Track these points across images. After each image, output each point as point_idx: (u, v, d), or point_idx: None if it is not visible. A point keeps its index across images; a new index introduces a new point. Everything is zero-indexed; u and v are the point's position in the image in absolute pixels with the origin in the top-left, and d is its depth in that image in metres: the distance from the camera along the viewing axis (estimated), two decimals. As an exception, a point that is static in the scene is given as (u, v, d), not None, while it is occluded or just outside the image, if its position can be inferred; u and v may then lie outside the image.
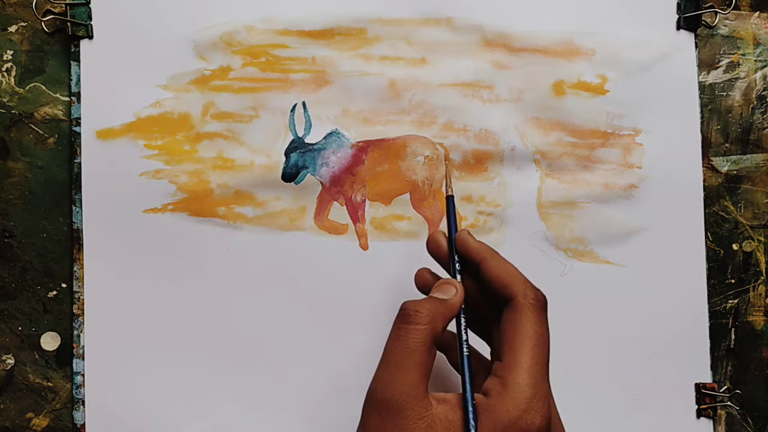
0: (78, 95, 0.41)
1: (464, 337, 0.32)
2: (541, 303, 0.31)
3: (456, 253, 0.34)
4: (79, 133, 0.41)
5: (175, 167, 0.41)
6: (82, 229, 0.41)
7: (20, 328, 0.41)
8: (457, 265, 0.34)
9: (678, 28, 0.44)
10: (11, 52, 0.41)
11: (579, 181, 0.43)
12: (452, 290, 0.32)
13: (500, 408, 0.28)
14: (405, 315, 0.30)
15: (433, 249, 0.36)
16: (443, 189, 0.42)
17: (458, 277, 0.34)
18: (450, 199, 0.36)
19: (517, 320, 0.30)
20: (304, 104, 0.42)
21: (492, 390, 0.29)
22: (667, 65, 0.44)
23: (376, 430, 0.28)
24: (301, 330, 0.41)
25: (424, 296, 0.33)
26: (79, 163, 0.41)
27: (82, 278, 0.40)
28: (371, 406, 0.29)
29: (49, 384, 0.41)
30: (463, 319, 0.32)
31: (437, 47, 0.42)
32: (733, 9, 0.45)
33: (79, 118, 0.41)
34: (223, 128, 0.41)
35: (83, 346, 0.40)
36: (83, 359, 0.40)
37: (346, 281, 0.42)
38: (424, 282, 0.36)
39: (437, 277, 0.35)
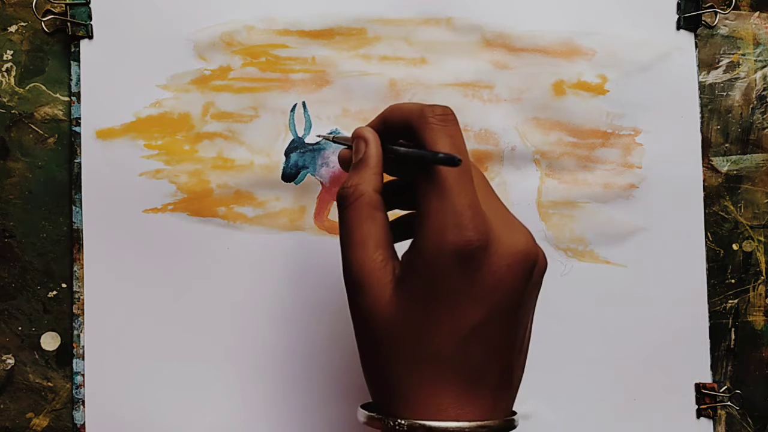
0: (78, 95, 0.41)
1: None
2: (442, 116, 0.28)
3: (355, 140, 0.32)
4: (79, 133, 0.41)
5: (175, 167, 0.41)
6: (82, 229, 0.41)
7: (20, 328, 0.41)
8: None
9: (678, 28, 0.44)
10: (11, 52, 0.41)
11: (579, 181, 0.43)
12: (362, 145, 0.30)
13: (420, 239, 0.26)
14: (339, 203, 0.29)
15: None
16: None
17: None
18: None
19: (424, 143, 0.28)
20: (304, 104, 0.42)
21: (416, 226, 0.27)
22: (667, 65, 0.44)
23: (353, 305, 0.28)
24: (302, 330, 0.41)
25: None
26: (79, 163, 0.41)
27: (82, 278, 0.40)
28: (346, 285, 0.29)
29: (49, 384, 0.41)
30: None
31: (437, 47, 0.42)
32: (733, 9, 0.45)
33: (79, 118, 0.41)
34: (223, 128, 0.41)
35: (83, 346, 0.40)
36: (83, 359, 0.40)
37: (346, 281, 0.42)
38: (346, 158, 0.33)
39: None
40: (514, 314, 0.27)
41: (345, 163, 0.33)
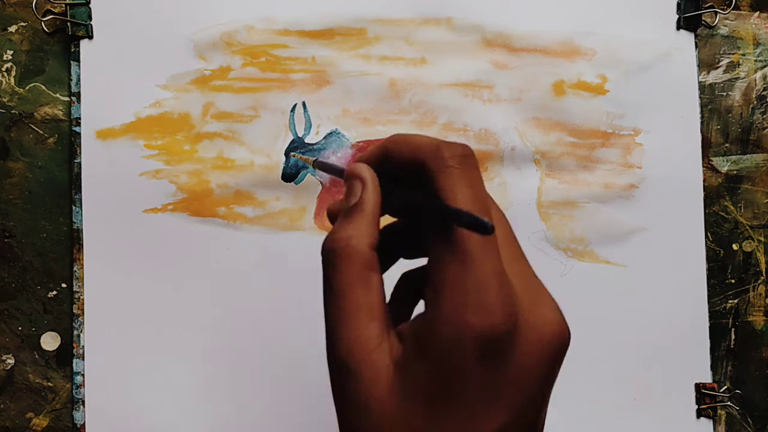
0: (78, 95, 0.41)
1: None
2: (462, 158, 0.22)
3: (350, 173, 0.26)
4: (79, 133, 0.41)
5: (175, 167, 0.41)
6: (82, 229, 0.41)
7: (20, 328, 0.41)
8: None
9: (678, 28, 0.44)
10: (11, 52, 0.41)
11: (579, 181, 0.43)
12: (357, 187, 0.24)
13: (432, 320, 0.21)
14: (324, 259, 0.24)
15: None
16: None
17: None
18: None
19: (438, 192, 0.22)
20: (304, 104, 0.42)
21: (427, 295, 0.22)
22: (667, 65, 0.44)
23: (339, 391, 0.23)
24: (301, 330, 0.41)
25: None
26: (79, 163, 0.41)
27: (82, 278, 0.40)
28: (330, 364, 0.24)
29: (49, 384, 0.41)
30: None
31: (437, 47, 0.42)
32: (733, 9, 0.45)
33: (79, 118, 0.41)
34: (223, 128, 0.41)
35: (83, 346, 0.40)
36: (83, 359, 0.40)
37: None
38: (334, 212, 0.27)
39: None
40: (539, 412, 0.22)
41: (334, 217, 0.26)
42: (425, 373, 0.21)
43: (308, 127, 0.42)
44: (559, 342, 0.22)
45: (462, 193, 0.22)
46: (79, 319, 0.40)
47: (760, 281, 0.45)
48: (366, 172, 0.24)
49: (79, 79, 0.41)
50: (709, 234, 0.44)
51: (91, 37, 0.41)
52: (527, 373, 0.21)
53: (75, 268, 0.41)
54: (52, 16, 0.41)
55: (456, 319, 0.20)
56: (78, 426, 0.40)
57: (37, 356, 0.41)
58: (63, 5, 0.40)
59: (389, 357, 0.22)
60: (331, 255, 0.23)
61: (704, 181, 0.44)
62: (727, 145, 0.45)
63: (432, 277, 0.22)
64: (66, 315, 0.41)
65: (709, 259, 0.44)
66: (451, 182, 0.22)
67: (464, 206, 0.21)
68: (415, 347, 0.21)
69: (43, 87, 0.41)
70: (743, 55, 0.45)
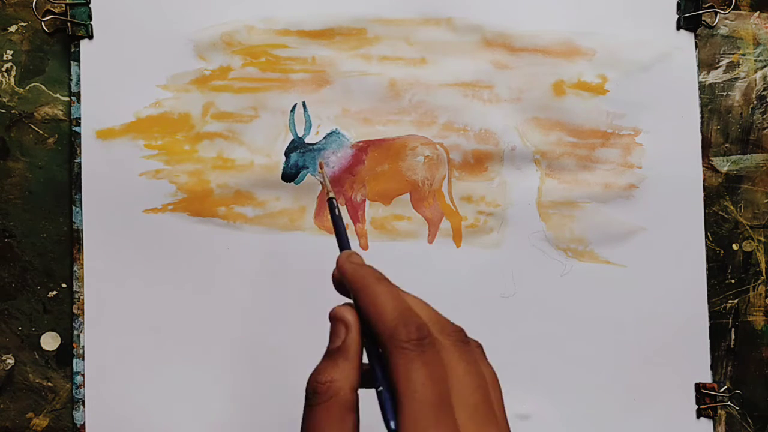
0: (78, 95, 0.41)
1: (378, 373, 0.25)
2: (417, 341, 0.24)
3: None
4: (79, 133, 0.41)
5: (175, 167, 0.41)
6: (82, 229, 0.41)
7: (20, 328, 0.41)
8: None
9: (678, 28, 0.44)
10: (11, 52, 0.41)
11: (579, 181, 0.43)
12: (341, 331, 0.26)
13: None
14: (306, 397, 0.25)
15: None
16: (326, 192, 0.38)
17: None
18: (331, 201, 0.32)
19: (393, 370, 0.23)
20: (304, 104, 0.42)
21: None
22: (667, 65, 0.44)
23: None
24: (301, 330, 0.41)
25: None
26: (79, 163, 0.41)
27: (82, 278, 0.40)
28: None
29: (49, 384, 0.41)
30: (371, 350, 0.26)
31: (437, 47, 0.42)
32: (733, 9, 0.45)
33: (79, 118, 0.41)
34: (223, 128, 0.41)
35: (83, 346, 0.40)
36: (83, 359, 0.40)
37: (346, 281, 0.42)
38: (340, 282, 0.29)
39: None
40: None
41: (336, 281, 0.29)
42: None
43: (308, 127, 0.42)
44: None
45: (415, 374, 0.23)
46: (79, 319, 0.40)
47: (760, 281, 0.45)
48: (349, 315, 0.26)
49: (79, 79, 0.41)
50: (709, 234, 0.44)
51: (91, 37, 0.41)
52: None
53: (75, 268, 0.41)
54: (52, 16, 0.41)
55: None
56: (78, 426, 0.40)
57: (37, 356, 0.41)
58: (63, 5, 0.40)
59: None
60: (314, 396, 0.24)
61: (704, 181, 0.44)
62: (727, 145, 0.45)
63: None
64: (66, 315, 0.41)
65: (709, 259, 0.44)
66: (404, 363, 0.23)
67: (418, 389, 0.23)
68: None
69: (43, 87, 0.41)
70: (743, 55, 0.45)
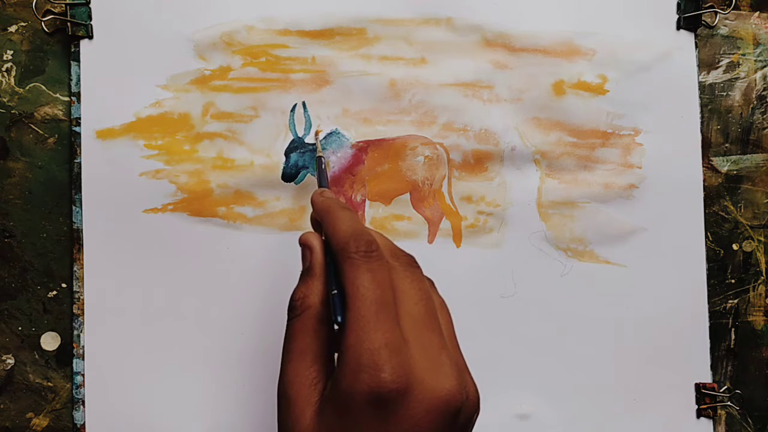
0: (78, 95, 0.41)
1: (333, 281, 0.28)
2: (365, 253, 0.27)
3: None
4: (79, 133, 0.41)
5: (175, 167, 0.41)
6: (82, 229, 0.41)
7: (20, 328, 0.41)
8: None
9: (678, 28, 0.44)
10: (11, 52, 0.41)
11: (579, 181, 0.43)
12: (307, 253, 0.30)
13: (338, 375, 0.25)
14: (288, 312, 0.29)
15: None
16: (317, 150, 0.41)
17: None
18: (320, 159, 0.38)
19: (342, 277, 0.27)
20: (304, 104, 0.42)
21: (338, 355, 0.26)
22: (667, 65, 0.44)
23: (278, 416, 0.27)
24: (301, 330, 0.41)
25: None
26: (79, 163, 0.41)
27: (82, 278, 0.40)
28: (277, 393, 0.28)
29: (49, 384, 0.41)
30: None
31: (437, 47, 0.42)
32: (733, 9, 0.45)
33: (79, 118, 0.41)
34: (223, 128, 0.41)
35: (83, 346, 0.40)
36: (83, 359, 0.40)
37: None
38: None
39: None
40: None
41: (313, 220, 0.33)
42: (332, 418, 0.25)
43: (308, 127, 0.42)
44: (448, 401, 0.25)
45: (361, 278, 0.26)
46: (79, 319, 0.40)
47: (760, 281, 0.45)
48: (313, 239, 0.30)
49: (79, 79, 0.41)
50: (709, 234, 0.44)
51: (91, 37, 0.41)
52: (416, 424, 0.24)
53: (75, 268, 0.41)
54: (52, 16, 0.41)
55: (351, 377, 0.24)
56: (78, 426, 0.40)
57: (37, 356, 0.41)
58: (63, 5, 0.40)
59: (319, 395, 0.26)
60: (291, 311, 0.29)
61: (704, 181, 0.44)
62: (727, 145, 0.45)
63: (340, 340, 0.26)
64: (66, 315, 0.41)
65: (709, 259, 0.44)
66: (352, 270, 0.26)
67: (361, 290, 0.26)
68: (327, 397, 0.26)
69: (43, 87, 0.41)
70: (743, 55, 0.45)
